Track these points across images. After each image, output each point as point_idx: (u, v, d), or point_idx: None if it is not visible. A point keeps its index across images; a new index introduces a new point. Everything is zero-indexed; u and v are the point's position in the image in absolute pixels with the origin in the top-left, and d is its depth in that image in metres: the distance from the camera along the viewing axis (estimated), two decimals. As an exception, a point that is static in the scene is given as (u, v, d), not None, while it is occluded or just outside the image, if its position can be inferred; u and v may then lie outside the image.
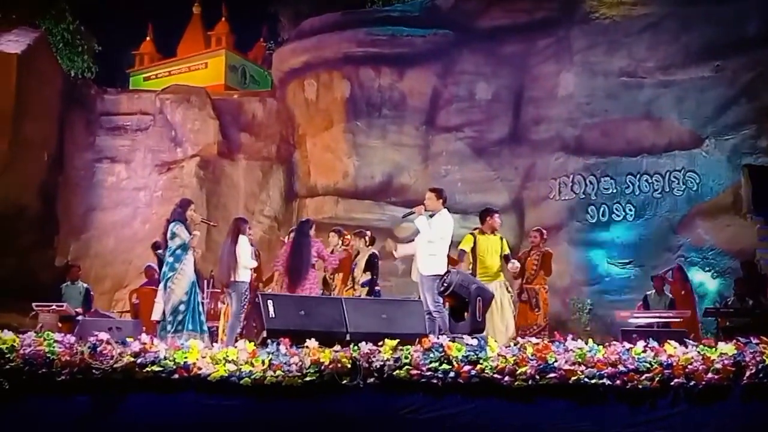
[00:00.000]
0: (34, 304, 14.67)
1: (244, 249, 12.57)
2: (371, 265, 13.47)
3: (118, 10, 25.94)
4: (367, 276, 13.43)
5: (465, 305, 10.91)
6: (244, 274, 12.56)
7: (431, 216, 11.56)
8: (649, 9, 19.65)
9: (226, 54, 26.53)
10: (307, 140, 21.41)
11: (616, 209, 19.22)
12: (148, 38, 28.35)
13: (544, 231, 14.25)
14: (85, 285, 16.00)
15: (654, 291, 16.13)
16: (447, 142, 20.60)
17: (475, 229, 12.72)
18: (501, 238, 12.72)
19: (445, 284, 11.01)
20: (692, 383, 7.48)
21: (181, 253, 11.54)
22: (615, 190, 19.27)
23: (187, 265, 11.57)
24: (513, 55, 20.59)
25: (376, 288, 13.56)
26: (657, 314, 15.33)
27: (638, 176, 19.18)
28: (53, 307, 14.36)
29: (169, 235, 11.70)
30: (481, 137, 20.48)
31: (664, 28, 19.48)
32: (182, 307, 11.42)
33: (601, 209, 19.29)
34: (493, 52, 20.65)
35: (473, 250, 12.36)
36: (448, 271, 11.20)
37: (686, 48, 19.23)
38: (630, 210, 19.16)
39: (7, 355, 7.92)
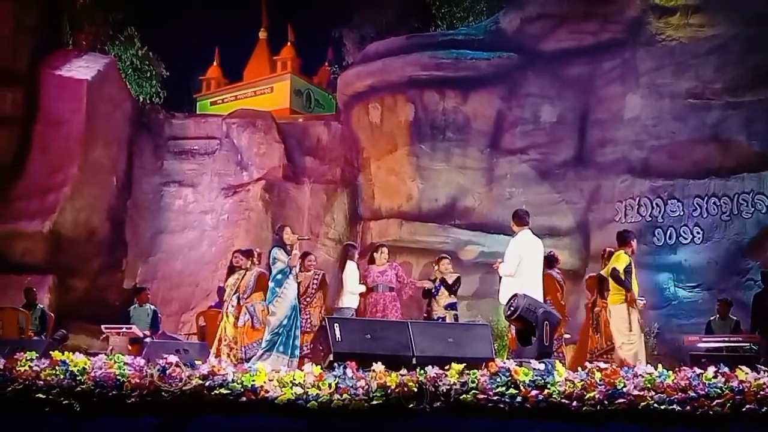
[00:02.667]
0: (103, 326, 14.87)
1: (351, 274, 12.70)
2: (457, 287, 13.60)
3: (186, 36, 26.26)
4: (452, 299, 13.54)
5: (532, 329, 10.86)
6: (349, 300, 12.71)
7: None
8: (717, 30, 19.46)
9: (292, 78, 26.72)
10: (371, 163, 21.47)
11: (684, 232, 19.00)
12: (214, 63, 28.67)
13: (610, 251, 14.19)
14: (153, 307, 16.16)
15: (718, 315, 15.96)
16: (511, 164, 20.52)
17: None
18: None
19: (512, 308, 10.97)
20: (764, 409, 7.35)
21: (281, 278, 11.80)
22: (682, 213, 19.06)
23: (288, 290, 11.84)
24: (578, 77, 20.50)
25: (456, 312, 13.67)
26: (726, 338, 15.17)
27: (706, 199, 18.96)
28: (123, 329, 14.53)
29: (270, 261, 12.04)
30: (545, 160, 20.38)
31: (731, 49, 19.28)
32: (280, 330, 11.62)
33: (669, 232, 19.09)
34: (558, 74, 20.58)
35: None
36: (515, 295, 11.15)
37: (754, 69, 19.03)
38: (698, 233, 18.94)
39: (78, 378, 8.04)
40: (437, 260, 14.18)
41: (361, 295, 13.45)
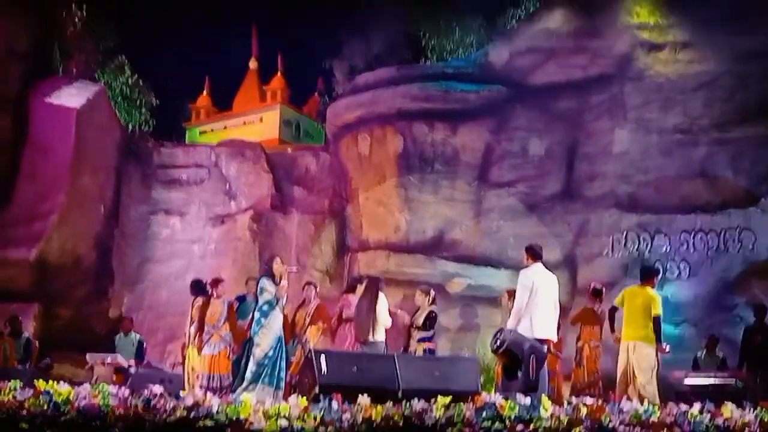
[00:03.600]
0: (88, 355, 14.81)
1: (384, 307, 12.70)
2: (427, 321, 13.49)
3: (176, 65, 26.34)
4: (425, 333, 13.46)
5: (519, 363, 10.85)
6: (380, 333, 12.71)
7: None
8: (705, 67, 19.60)
9: (281, 108, 26.80)
10: (359, 194, 21.49)
11: (670, 267, 19.04)
12: (204, 92, 28.75)
13: (597, 286, 14.20)
14: (139, 336, 16.12)
15: (704, 351, 15.99)
16: (499, 197, 20.56)
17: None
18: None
19: (499, 342, 10.97)
20: (750, 448, 7.35)
21: (268, 309, 11.78)
22: (669, 248, 19.12)
23: (273, 321, 11.80)
24: (567, 111, 20.59)
25: (431, 346, 13.55)
26: (712, 375, 15.21)
27: (693, 234, 19.03)
28: (108, 359, 14.48)
29: (258, 290, 12.04)
30: (533, 193, 20.42)
31: (719, 85, 19.42)
32: (266, 361, 11.57)
33: (655, 267, 19.12)
34: (546, 108, 20.68)
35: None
36: (501, 329, 11.17)
37: (742, 106, 19.16)
38: (684, 268, 18.99)
39: (62, 408, 7.99)
40: (420, 291, 14.10)
41: (338, 325, 13.54)
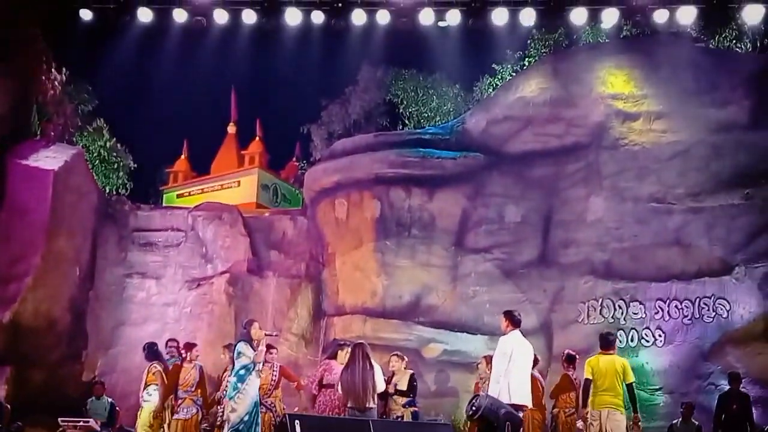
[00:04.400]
0: (60, 419, 14.67)
1: (379, 373, 12.68)
2: (411, 386, 13.43)
3: (154, 128, 26.40)
4: (410, 397, 13.41)
5: (493, 430, 10.82)
6: (373, 399, 12.68)
7: None
8: (679, 136, 19.87)
9: (259, 173, 26.85)
10: (336, 259, 21.45)
11: (646, 335, 19.13)
12: (182, 156, 28.78)
13: (570, 353, 14.20)
14: (110, 400, 16.01)
15: (681, 419, 16.02)
16: (475, 263, 20.58)
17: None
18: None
19: (474, 408, 10.94)
20: None
21: (245, 374, 11.71)
22: (644, 315, 19.21)
23: (250, 386, 11.70)
24: (542, 178, 20.73)
25: (417, 409, 13.51)
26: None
27: (668, 302, 19.14)
28: (80, 422, 14.38)
29: (235, 354, 11.98)
30: (509, 259, 20.45)
31: (693, 154, 19.68)
32: (241, 426, 11.45)
33: (630, 334, 19.21)
34: (522, 175, 20.80)
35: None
36: (476, 395, 11.17)
37: (716, 175, 19.40)
38: (659, 336, 19.07)
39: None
40: (394, 356, 14.08)
41: (319, 390, 13.46)
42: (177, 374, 13.62)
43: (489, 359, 13.60)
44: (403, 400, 13.35)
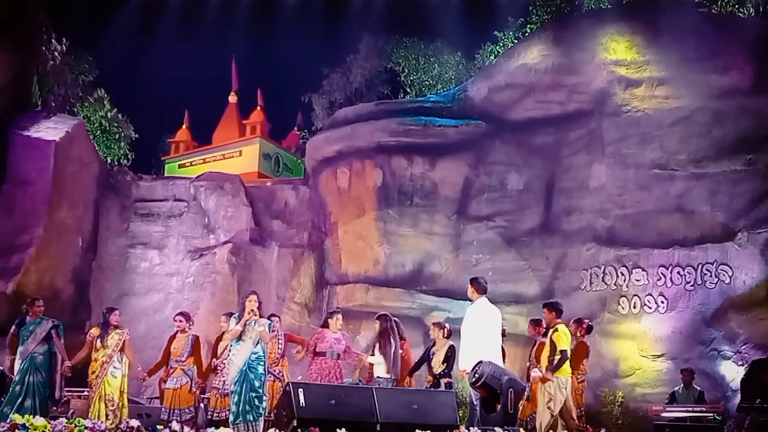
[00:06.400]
0: (65, 389, 14.66)
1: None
2: (447, 357, 13.38)
3: (155, 98, 26.29)
4: (444, 366, 13.37)
5: (497, 397, 10.84)
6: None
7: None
8: (681, 102, 19.75)
9: (261, 142, 26.78)
10: (338, 228, 21.48)
11: (648, 301, 19.08)
12: (184, 126, 28.69)
13: (585, 321, 14.14)
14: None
15: (682, 385, 16.02)
16: (478, 231, 20.60)
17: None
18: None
19: (477, 375, 10.96)
20: (728, 480, 7.36)
21: (234, 343, 11.58)
22: (647, 282, 19.16)
23: (236, 356, 11.56)
24: (545, 146, 20.70)
25: (450, 380, 13.45)
26: (689, 408, 15.23)
27: (670, 268, 19.08)
28: (84, 393, 14.36)
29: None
30: (512, 227, 20.48)
31: (696, 121, 19.56)
32: (234, 398, 11.35)
33: (633, 301, 19.18)
34: (524, 142, 20.78)
35: None
36: (480, 362, 11.15)
37: (718, 141, 19.30)
38: (662, 302, 19.03)
39: (38, 441, 7.94)
40: (434, 325, 14.03)
41: (312, 358, 13.55)
42: (170, 343, 13.65)
43: (438, 325, 13.65)
44: (440, 368, 13.26)
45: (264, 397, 11.34)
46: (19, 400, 12.64)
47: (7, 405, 12.49)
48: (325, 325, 14.03)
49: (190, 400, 13.27)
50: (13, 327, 13.33)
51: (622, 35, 20.74)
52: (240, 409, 11.28)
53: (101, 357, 13.06)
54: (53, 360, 13.16)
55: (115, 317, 13.47)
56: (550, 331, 12.23)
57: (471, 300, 11.90)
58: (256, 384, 11.37)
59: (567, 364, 11.55)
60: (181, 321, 13.84)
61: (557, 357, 11.57)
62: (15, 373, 13.05)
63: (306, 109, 26.10)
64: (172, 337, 13.71)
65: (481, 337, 11.43)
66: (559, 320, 12.21)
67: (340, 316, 14.15)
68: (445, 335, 13.51)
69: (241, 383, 11.40)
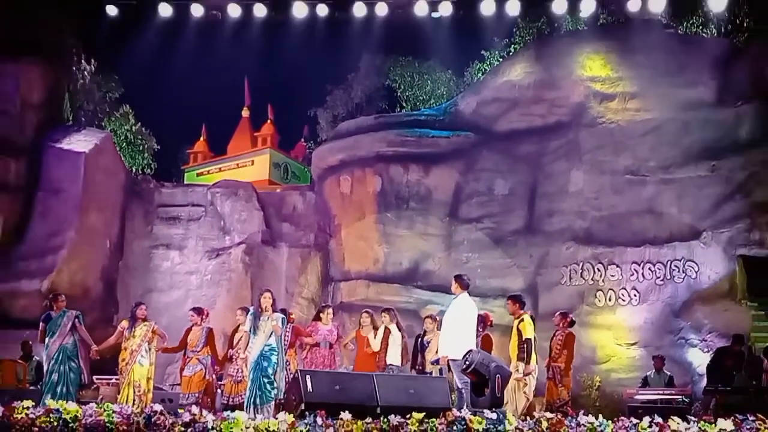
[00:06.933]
0: (94, 377, 14.68)
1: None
2: None
3: (176, 113, 26.31)
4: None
5: (485, 382, 10.86)
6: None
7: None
8: (652, 114, 19.81)
9: (271, 153, 26.75)
10: (341, 230, 21.48)
11: (622, 294, 19.10)
12: (201, 138, 28.65)
13: (569, 314, 14.12)
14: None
15: (654, 371, 16.05)
16: (468, 232, 20.60)
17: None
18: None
19: (467, 362, 10.97)
20: (694, 457, 7.38)
21: (251, 336, 11.64)
22: (621, 277, 19.19)
23: (252, 349, 11.62)
24: (528, 154, 20.71)
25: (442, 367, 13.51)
26: (659, 391, 15.25)
27: (642, 265, 19.10)
28: (112, 380, 14.39)
29: None
30: (499, 228, 20.48)
31: (665, 131, 19.61)
32: (249, 384, 11.44)
33: (609, 294, 19.20)
34: (509, 151, 20.79)
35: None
36: (470, 351, 11.16)
37: (685, 149, 19.33)
38: (635, 295, 19.05)
39: (70, 425, 7.95)
40: (428, 317, 14.06)
41: (308, 349, 13.61)
42: (186, 335, 13.67)
43: (431, 317, 13.69)
44: (432, 357, 13.28)
45: (275, 383, 11.39)
46: (57, 388, 12.70)
47: (47, 393, 12.52)
48: (317, 318, 14.15)
49: (201, 386, 13.30)
50: (41, 323, 13.33)
51: (597, 54, 20.78)
52: (254, 393, 11.35)
53: (130, 346, 13.11)
54: (80, 347, 13.22)
55: (141, 311, 13.50)
56: (516, 321, 12.31)
57: (455, 294, 11.90)
58: (269, 371, 11.44)
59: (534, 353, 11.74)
60: (192, 316, 13.91)
61: (525, 347, 11.79)
62: (45, 365, 13.08)
63: (312, 122, 26.12)
64: (188, 330, 13.74)
65: (461, 327, 11.46)
66: (523, 311, 12.30)
67: (330, 310, 14.38)
68: (437, 327, 13.57)
69: (255, 370, 11.47)
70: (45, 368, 13.13)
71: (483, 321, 13.05)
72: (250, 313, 11.92)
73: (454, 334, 11.44)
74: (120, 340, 13.36)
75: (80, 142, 19.84)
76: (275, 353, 11.60)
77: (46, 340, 13.10)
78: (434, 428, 7.81)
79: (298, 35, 21.87)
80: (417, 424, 7.92)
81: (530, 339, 12.11)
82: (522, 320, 12.13)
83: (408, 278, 20.56)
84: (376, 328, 13.80)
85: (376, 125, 21.96)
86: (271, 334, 11.54)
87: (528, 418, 8.65)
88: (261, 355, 11.47)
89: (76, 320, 13.34)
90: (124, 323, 13.45)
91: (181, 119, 26.97)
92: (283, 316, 12.30)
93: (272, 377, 11.44)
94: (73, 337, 13.20)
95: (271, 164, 26.59)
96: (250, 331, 11.75)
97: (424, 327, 13.70)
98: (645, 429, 7.91)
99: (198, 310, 14.03)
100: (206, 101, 27.35)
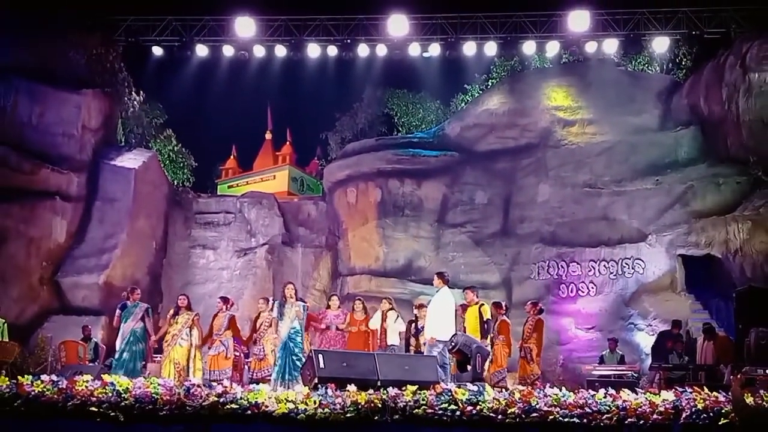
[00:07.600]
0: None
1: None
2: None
3: (210, 135, 26.36)
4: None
5: (468, 360, 10.88)
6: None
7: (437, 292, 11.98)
8: (606, 137, 19.94)
9: (290, 169, 26.73)
10: (348, 233, 21.48)
11: (581, 287, 19.15)
12: (232, 156, 28.62)
13: (539, 303, 14.11)
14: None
15: (608, 350, 16.07)
16: (453, 235, 20.61)
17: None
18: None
19: (453, 343, 11.01)
20: (641, 422, 7.40)
21: (279, 323, 11.71)
22: (580, 273, 19.23)
23: (280, 332, 11.70)
24: (503, 170, 20.74)
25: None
26: (613, 368, 15.26)
27: (598, 262, 19.14)
28: (158, 358, 14.38)
29: None
30: (479, 232, 20.48)
31: (617, 151, 19.74)
32: (279, 362, 11.47)
33: (570, 287, 19.23)
34: (488, 168, 20.81)
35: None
36: (455, 334, 11.21)
37: (634, 167, 19.45)
38: (592, 288, 19.09)
39: (122, 395, 7.97)
40: (417, 306, 13.98)
41: (320, 332, 13.61)
42: (213, 320, 13.60)
43: (422, 306, 13.62)
44: (423, 339, 13.27)
45: (303, 360, 11.38)
46: (129, 364, 12.77)
47: (119, 368, 12.51)
48: (327, 307, 14.18)
49: (226, 364, 13.17)
50: (117, 310, 13.42)
51: (560, 87, 20.91)
52: (283, 370, 11.41)
53: (173, 330, 13.11)
54: (146, 334, 13.24)
55: (182, 301, 13.49)
56: (476, 306, 12.29)
57: (437, 288, 11.96)
58: (296, 350, 11.54)
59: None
60: (219, 303, 13.81)
61: (486, 326, 11.97)
62: (119, 345, 13.07)
63: (323, 143, 26.11)
64: (215, 316, 13.64)
65: (442, 314, 11.55)
66: (478, 299, 12.36)
67: (336, 298, 14.34)
68: (422, 315, 13.64)
69: (284, 350, 11.53)
70: (117, 347, 13.14)
71: (497, 308, 13.23)
72: (276, 302, 11.99)
73: (438, 320, 11.55)
74: None
75: (131, 160, 19.85)
76: (299, 335, 11.75)
77: (122, 324, 13.09)
78: (425, 398, 7.82)
79: (312, 71, 21.98)
80: (411, 394, 7.93)
81: (489, 320, 12.20)
82: (483, 305, 12.23)
83: (403, 273, 20.55)
84: (366, 312, 13.82)
85: (377, 146, 21.98)
86: (295, 318, 11.64)
87: (503, 389, 8.67)
88: (288, 336, 11.59)
89: (146, 312, 13.44)
90: (172, 311, 13.47)
91: (215, 141, 27.01)
92: (305, 303, 12.36)
93: (300, 355, 11.51)
94: (142, 323, 13.23)
95: (289, 178, 26.56)
96: (278, 317, 11.81)
97: (415, 313, 13.69)
98: (601, 399, 7.92)
99: (224, 299, 13.95)
100: (236, 126, 27.41)
